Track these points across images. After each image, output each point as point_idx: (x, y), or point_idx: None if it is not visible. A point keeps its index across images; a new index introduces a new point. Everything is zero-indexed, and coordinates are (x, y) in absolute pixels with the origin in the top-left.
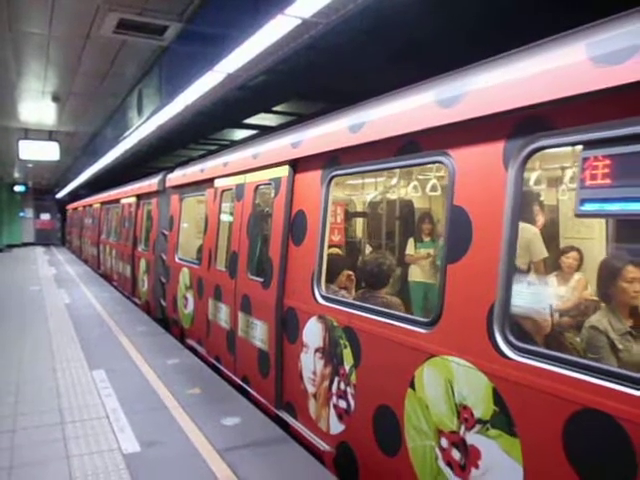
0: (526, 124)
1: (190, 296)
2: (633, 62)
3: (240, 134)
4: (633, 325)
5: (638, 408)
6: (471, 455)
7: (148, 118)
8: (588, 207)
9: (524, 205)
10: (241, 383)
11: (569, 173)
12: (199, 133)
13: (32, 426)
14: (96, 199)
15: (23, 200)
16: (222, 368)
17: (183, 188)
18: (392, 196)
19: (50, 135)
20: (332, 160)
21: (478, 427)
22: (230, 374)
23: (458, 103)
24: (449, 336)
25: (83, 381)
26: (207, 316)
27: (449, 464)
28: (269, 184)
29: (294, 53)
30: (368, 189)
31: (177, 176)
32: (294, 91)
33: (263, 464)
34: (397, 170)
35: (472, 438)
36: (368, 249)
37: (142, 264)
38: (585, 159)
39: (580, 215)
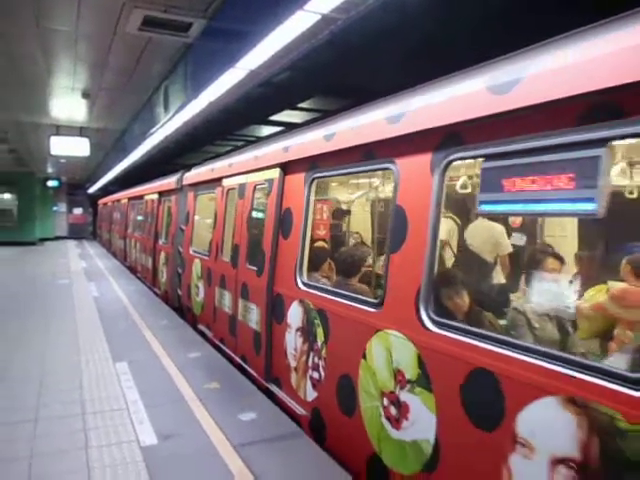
0: (446, 140)
1: (201, 285)
2: (514, 92)
3: (266, 130)
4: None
5: (512, 365)
6: (403, 410)
7: (174, 114)
8: (484, 207)
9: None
10: (240, 362)
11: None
12: (225, 129)
13: (54, 416)
14: (123, 195)
15: (56, 195)
16: (225, 349)
17: (197, 186)
18: (380, 195)
19: (80, 131)
20: (313, 164)
21: (408, 387)
22: (232, 354)
23: (400, 121)
24: (390, 314)
25: (106, 373)
26: (214, 303)
27: (388, 419)
28: (264, 184)
29: (315, 49)
30: (363, 188)
31: (192, 175)
32: (317, 87)
33: (278, 460)
34: (380, 172)
35: (404, 396)
36: (351, 243)
37: (162, 256)
38: (483, 169)
39: (479, 214)
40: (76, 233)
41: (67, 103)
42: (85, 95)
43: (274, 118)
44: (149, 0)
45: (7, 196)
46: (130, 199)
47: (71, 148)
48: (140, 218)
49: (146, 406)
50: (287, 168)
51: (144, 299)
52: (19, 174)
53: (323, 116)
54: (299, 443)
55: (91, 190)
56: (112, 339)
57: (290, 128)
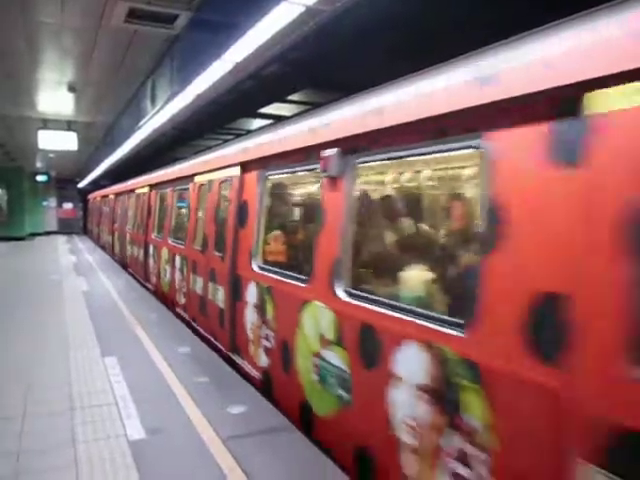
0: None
1: (129, 247)
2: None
3: (257, 124)
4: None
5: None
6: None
7: (161, 108)
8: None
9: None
10: (138, 278)
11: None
12: (214, 123)
13: (42, 411)
14: (102, 193)
15: (46, 189)
16: (136, 275)
17: (131, 191)
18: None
19: (68, 125)
20: (157, 186)
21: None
22: (137, 276)
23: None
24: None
25: (95, 368)
26: (134, 254)
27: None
28: (145, 194)
29: (302, 41)
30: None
31: (128, 184)
32: (306, 80)
33: (266, 453)
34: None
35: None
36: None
37: (116, 235)
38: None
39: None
40: (66, 228)
41: (54, 97)
42: (71, 89)
43: (263, 111)
44: None
45: None
46: (102, 197)
47: (59, 142)
48: (106, 210)
49: (135, 400)
50: (152, 188)
51: (133, 293)
52: (8, 169)
53: (311, 109)
54: (289, 436)
55: (81, 184)
56: (101, 334)
57: (280, 121)
